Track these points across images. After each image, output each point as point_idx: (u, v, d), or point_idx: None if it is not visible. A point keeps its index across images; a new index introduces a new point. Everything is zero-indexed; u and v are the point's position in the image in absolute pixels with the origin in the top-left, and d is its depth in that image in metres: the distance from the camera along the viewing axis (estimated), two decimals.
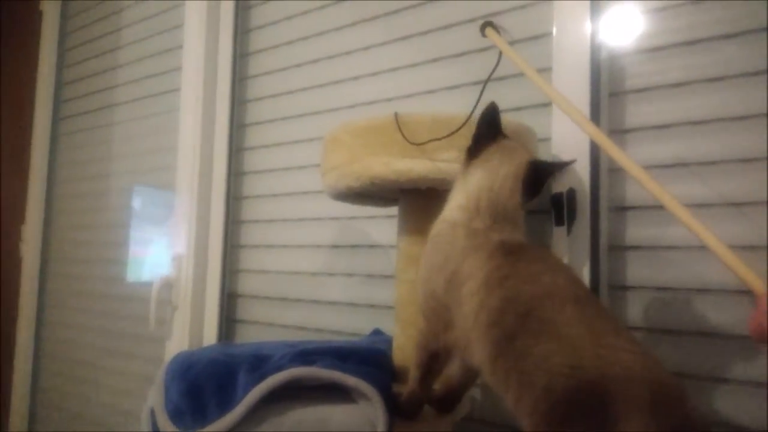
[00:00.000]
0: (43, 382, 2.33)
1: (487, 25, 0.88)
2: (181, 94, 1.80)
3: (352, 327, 1.42)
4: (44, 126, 2.40)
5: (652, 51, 1.07)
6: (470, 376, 0.88)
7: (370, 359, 0.92)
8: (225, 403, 0.81)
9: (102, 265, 2.14)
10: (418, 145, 0.87)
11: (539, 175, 0.79)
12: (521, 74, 1.19)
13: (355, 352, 0.91)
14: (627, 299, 1.04)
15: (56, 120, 2.41)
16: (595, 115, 1.06)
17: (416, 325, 0.98)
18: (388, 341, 1.07)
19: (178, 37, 1.87)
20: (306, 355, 0.88)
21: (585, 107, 1.05)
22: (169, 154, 1.83)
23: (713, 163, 0.99)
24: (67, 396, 2.21)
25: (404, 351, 0.99)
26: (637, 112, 1.07)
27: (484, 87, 0.87)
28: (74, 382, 2.18)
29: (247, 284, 1.69)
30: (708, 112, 1.00)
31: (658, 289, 1.02)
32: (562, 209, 1.02)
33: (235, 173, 1.73)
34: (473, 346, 0.70)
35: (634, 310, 1.04)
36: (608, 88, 1.09)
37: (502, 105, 1.21)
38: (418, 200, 0.99)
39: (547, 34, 1.15)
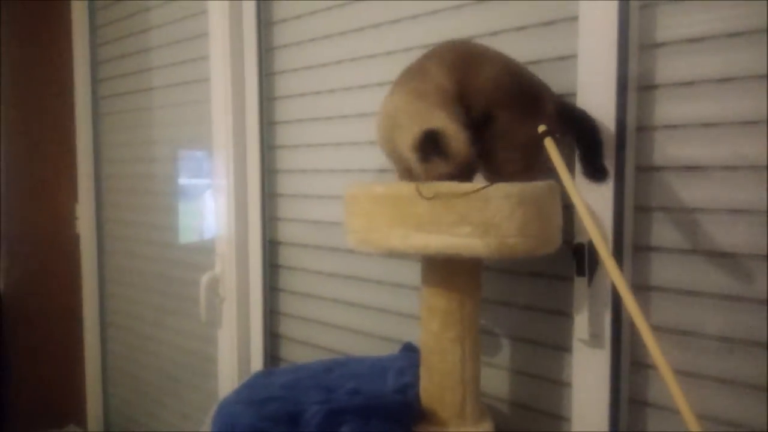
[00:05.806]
0: (111, 347, 2.54)
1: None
2: (210, 60, 1.84)
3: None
4: (85, 106, 2.47)
5: None
6: None
7: (393, 413, 0.99)
8: None
9: (154, 232, 2.27)
10: (429, 199, 0.88)
11: None
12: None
13: (380, 407, 0.99)
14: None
15: (96, 101, 2.47)
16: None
17: (440, 372, 1.04)
18: (416, 362, 1.11)
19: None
20: (334, 415, 0.95)
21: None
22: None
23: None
24: (133, 353, 2.43)
25: (430, 394, 1.06)
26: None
27: None
28: (139, 340, 2.38)
29: (288, 278, 1.77)
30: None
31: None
32: (584, 260, 1.02)
33: (269, 170, 1.77)
34: None
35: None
36: None
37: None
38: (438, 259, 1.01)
39: None
